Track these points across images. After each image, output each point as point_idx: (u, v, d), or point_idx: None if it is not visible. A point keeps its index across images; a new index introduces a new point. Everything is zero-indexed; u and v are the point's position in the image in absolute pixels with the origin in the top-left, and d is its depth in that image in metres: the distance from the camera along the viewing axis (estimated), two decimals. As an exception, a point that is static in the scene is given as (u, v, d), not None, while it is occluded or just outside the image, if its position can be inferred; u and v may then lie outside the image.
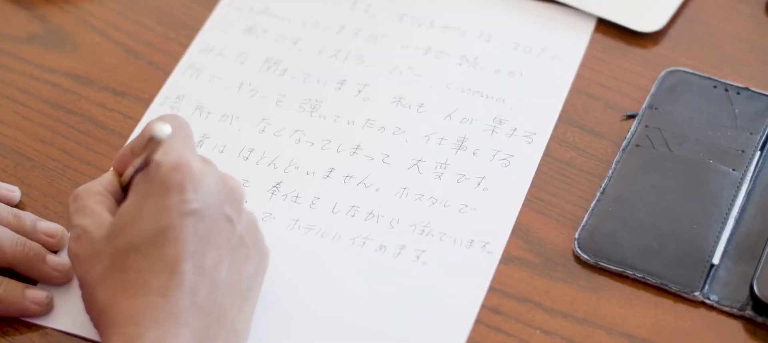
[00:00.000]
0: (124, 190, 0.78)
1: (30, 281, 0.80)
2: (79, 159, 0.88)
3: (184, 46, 0.95)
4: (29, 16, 0.97)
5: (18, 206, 0.85)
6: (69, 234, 0.81)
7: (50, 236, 0.82)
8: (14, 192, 0.85)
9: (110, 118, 0.90)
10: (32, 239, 0.81)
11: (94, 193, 0.77)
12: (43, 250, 0.81)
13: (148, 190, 0.73)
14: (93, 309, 0.73)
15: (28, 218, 0.82)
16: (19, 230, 0.81)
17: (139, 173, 0.74)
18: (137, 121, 0.90)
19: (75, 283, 0.80)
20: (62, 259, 0.81)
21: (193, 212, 0.72)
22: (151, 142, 0.72)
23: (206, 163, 0.74)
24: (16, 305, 0.79)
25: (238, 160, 0.87)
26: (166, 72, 0.93)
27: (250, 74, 0.92)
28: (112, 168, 0.79)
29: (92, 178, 0.85)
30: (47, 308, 0.79)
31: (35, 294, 0.79)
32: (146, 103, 0.91)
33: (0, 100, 0.91)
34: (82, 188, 0.78)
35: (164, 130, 0.71)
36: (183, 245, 0.71)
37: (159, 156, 0.73)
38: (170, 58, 0.94)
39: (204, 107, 0.91)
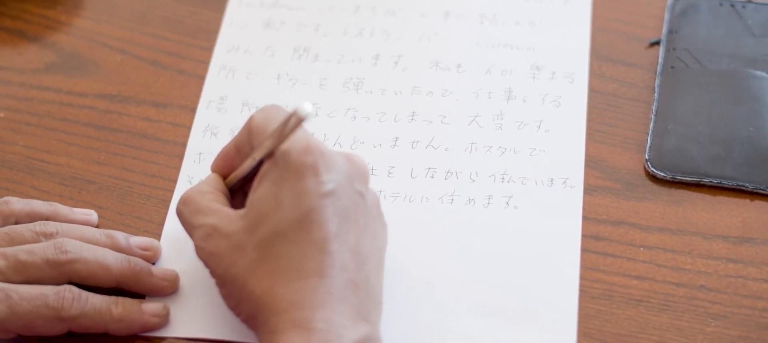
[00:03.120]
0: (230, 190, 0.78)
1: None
2: (142, 173, 0.87)
3: (208, 50, 0.95)
4: (39, 47, 0.95)
5: (99, 227, 0.83)
6: (159, 243, 0.82)
7: (146, 249, 0.82)
8: (91, 215, 0.84)
9: (159, 129, 0.90)
10: (130, 255, 0.80)
11: (205, 192, 0.77)
12: (146, 264, 0.80)
13: (281, 177, 0.73)
14: (246, 302, 0.73)
15: (120, 235, 0.81)
16: (116, 249, 0.80)
17: (264, 164, 0.74)
18: (188, 127, 0.89)
19: (184, 290, 0.80)
20: (167, 268, 0.81)
21: (331, 192, 0.73)
22: (294, 121, 0.72)
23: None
24: (137, 321, 0.78)
25: (301, 146, 0.88)
26: (198, 77, 0.93)
27: (283, 65, 0.93)
28: (211, 170, 0.79)
29: (165, 189, 0.85)
30: (166, 320, 0.79)
31: (152, 307, 0.79)
32: (190, 109, 0.91)
33: (39, 132, 0.90)
34: (190, 191, 0.77)
35: (307, 107, 0.72)
36: (327, 225, 0.72)
37: (285, 144, 0.73)
38: (198, 63, 0.94)
39: (250, 103, 0.91)
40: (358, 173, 0.75)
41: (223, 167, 0.79)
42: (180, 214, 0.78)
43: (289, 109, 0.73)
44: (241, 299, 0.74)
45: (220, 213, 0.75)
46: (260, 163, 0.75)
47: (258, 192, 0.74)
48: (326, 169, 0.73)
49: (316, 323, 0.70)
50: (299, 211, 0.72)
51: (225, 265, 0.74)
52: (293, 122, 0.72)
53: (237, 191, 0.79)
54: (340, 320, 0.71)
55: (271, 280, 0.72)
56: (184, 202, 0.77)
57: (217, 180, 0.79)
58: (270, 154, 0.74)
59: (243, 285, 0.73)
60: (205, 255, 0.75)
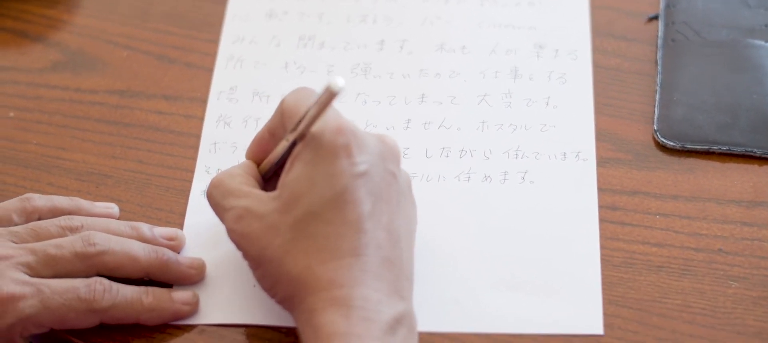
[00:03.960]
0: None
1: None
2: (159, 165, 0.87)
3: (213, 42, 0.95)
4: (43, 46, 0.96)
5: (120, 220, 0.84)
6: (183, 233, 0.82)
7: (170, 238, 0.82)
8: (113, 208, 0.84)
9: (172, 121, 0.90)
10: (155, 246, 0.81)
11: (236, 175, 0.78)
12: (173, 253, 0.81)
13: (314, 158, 0.74)
14: (282, 283, 0.74)
15: (144, 226, 0.82)
16: (141, 240, 0.81)
17: (297, 145, 0.75)
18: (200, 118, 0.90)
19: (210, 278, 0.81)
20: (193, 257, 0.81)
21: (364, 172, 0.74)
22: (327, 96, 0.73)
23: None
24: (168, 309, 0.79)
25: (315, 131, 0.89)
26: (206, 69, 0.93)
27: (290, 53, 0.94)
28: (246, 158, 0.80)
29: (183, 180, 0.86)
30: (195, 307, 0.79)
31: (182, 295, 0.79)
32: (201, 100, 0.91)
33: (51, 129, 0.90)
34: (221, 175, 0.78)
35: (340, 82, 0.72)
36: (361, 205, 0.73)
37: (317, 126, 0.74)
38: (205, 56, 0.94)
39: (261, 92, 0.92)
40: (391, 153, 0.76)
41: (257, 153, 0.80)
42: (210, 197, 0.78)
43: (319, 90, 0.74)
44: (277, 280, 0.74)
45: (252, 195, 0.76)
46: (293, 146, 0.76)
47: (291, 173, 0.75)
48: (359, 149, 0.74)
49: (355, 301, 0.71)
50: (333, 191, 0.73)
51: (260, 246, 0.74)
52: (326, 97, 0.73)
53: (270, 178, 0.79)
54: (377, 296, 0.72)
55: (307, 259, 0.73)
56: (214, 185, 0.78)
57: (250, 165, 0.79)
58: (303, 135, 0.75)
59: (279, 265, 0.74)
60: (237, 237, 0.76)
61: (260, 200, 0.75)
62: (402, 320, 0.72)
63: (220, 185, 0.78)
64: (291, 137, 0.76)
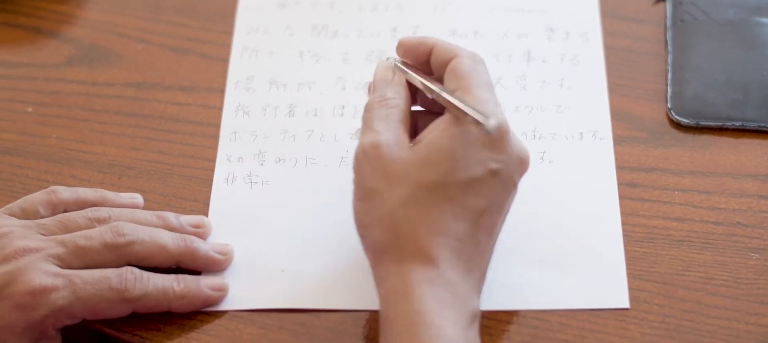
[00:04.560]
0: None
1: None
2: (180, 155, 0.88)
3: (226, 33, 0.96)
4: (58, 41, 0.96)
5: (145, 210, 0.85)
6: (209, 220, 0.83)
7: (197, 226, 0.83)
8: (137, 198, 0.85)
9: (191, 112, 0.91)
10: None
11: (393, 107, 0.77)
12: (200, 240, 0.81)
13: (465, 138, 0.74)
14: (383, 228, 0.73)
15: (170, 215, 0.82)
16: (168, 229, 0.81)
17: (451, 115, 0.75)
18: (219, 108, 0.91)
19: (237, 264, 0.81)
20: (220, 243, 0.82)
21: (498, 172, 0.74)
22: (477, 123, 0.73)
23: None
24: (199, 296, 0.79)
25: (333, 118, 0.90)
26: (222, 60, 0.94)
27: (304, 43, 0.95)
28: (404, 55, 0.80)
29: (205, 169, 0.86)
30: (225, 293, 0.80)
31: (212, 281, 0.80)
32: (218, 90, 0.92)
33: (70, 123, 0.90)
34: (394, 93, 0.78)
35: (493, 124, 0.73)
36: (485, 200, 0.74)
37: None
38: (219, 47, 0.95)
39: (277, 81, 0.92)
40: (522, 167, 0.76)
41: (416, 55, 0.80)
42: (368, 111, 0.77)
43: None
44: (379, 223, 0.74)
45: (399, 138, 0.75)
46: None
47: (438, 137, 0.74)
48: (502, 148, 0.74)
49: (448, 286, 0.72)
50: (468, 175, 0.73)
51: (382, 182, 0.74)
52: (475, 120, 0.73)
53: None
54: (466, 287, 0.73)
55: (418, 222, 0.73)
56: (371, 108, 0.77)
57: (406, 94, 0.78)
58: (458, 109, 0.74)
59: (389, 211, 0.73)
60: (366, 160, 0.75)
61: (399, 143, 0.75)
62: (477, 316, 0.73)
63: (385, 103, 0.77)
64: (455, 101, 0.75)
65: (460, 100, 0.74)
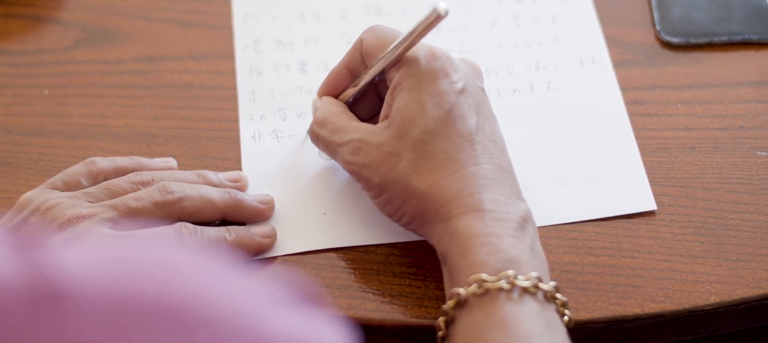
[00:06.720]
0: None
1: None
2: (203, 119, 0.91)
3: (225, 3, 0.99)
4: (61, 27, 0.98)
5: (180, 172, 0.87)
6: (245, 174, 0.86)
7: (235, 181, 0.86)
8: (171, 161, 0.87)
9: (206, 78, 0.94)
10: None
11: (338, 113, 0.82)
12: (243, 193, 0.84)
13: (416, 84, 0.78)
14: (411, 201, 0.77)
15: (210, 172, 0.85)
16: (208, 184, 0.84)
17: (396, 77, 0.79)
18: (231, 72, 0.94)
19: (279, 213, 0.84)
20: (261, 193, 0.85)
21: (463, 89, 0.79)
22: (433, 19, 0.77)
23: None
24: (251, 244, 0.82)
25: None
26: (225, 28, 0.97)
27: (303, 3, 0.98)
28: (320, 95, 0.84)
29: (230, 129, 0.89)
30: (275, 239, 0.83)
31: (261, 229, 0.83)
32: (228, 56, 0.95)
33: (89, 101, 0.92)
34: (322, 114, 0.83)
35: (443, 6, 0.77)
36: (469, 118, 0.78)
37: (410, 54, 0.79)
38: (221, 16, 0.98)
39: (284, 41, 0.96)
40: (476, 72, 0.81)
41: (334, 88, 0.84)
42: (316, 136, 0.82)
43: (400, 30, 0.79)
44: (405, 200, 0.78)
45: (362, 128, 0.80)
46: (371, 84, 0.80)
47: (398, 102, 0.79)
48: (453, 70, 0.79)
49: (485, 204, 0.75)
50: (442, 109, 0.78)
51: (383, 172, 0.78)
52: (430, 21, 0.77)
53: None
54: (503, 199, 0.76)
55: (433, 174, 0.77)
56: (319, 124, 0.82)
57: (337, 101, 0.84)
58: (395, 63, 0.79)
59: (406, 185, 0.77)
60: (357, 168, 0.79)
61: (372, 131, 0.79)
62: (528, 219, 0.77)
63: (326, 123, 0.82)
64: (379, 66, 0.80)
65: (405, 36, 0.78)
